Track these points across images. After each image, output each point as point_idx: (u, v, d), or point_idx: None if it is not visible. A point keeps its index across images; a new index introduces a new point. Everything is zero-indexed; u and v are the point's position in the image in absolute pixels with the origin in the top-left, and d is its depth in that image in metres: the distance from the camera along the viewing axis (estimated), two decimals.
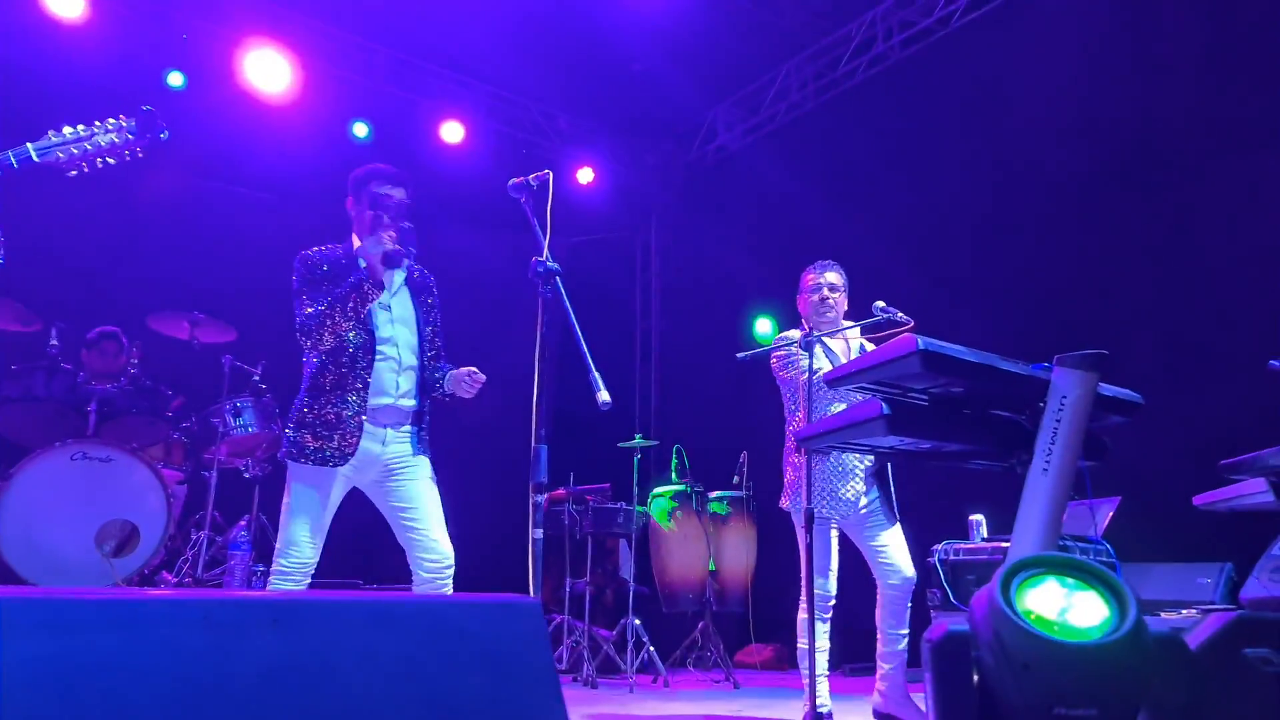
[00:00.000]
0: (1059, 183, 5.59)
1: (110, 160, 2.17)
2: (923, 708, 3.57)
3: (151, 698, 0.90)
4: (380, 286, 2.78)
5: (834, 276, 3.67)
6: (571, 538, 5.45)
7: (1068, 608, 1.75)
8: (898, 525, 3.62)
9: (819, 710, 3.05)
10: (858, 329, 3.64)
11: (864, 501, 3.58)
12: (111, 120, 2.21)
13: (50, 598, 0.91)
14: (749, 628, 5.84)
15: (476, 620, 1.07)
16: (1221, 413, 4.34)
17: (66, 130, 2.16)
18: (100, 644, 0.91)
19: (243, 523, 4.54)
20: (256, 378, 4.69)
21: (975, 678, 1.68)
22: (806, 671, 3.45)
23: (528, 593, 2.31)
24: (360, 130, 7.26)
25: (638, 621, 5.15)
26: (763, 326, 7.17)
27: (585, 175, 8.43)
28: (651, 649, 5.15)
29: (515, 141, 8.21)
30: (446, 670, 1.01)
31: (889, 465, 3.68)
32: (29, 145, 2.10)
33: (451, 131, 7.60)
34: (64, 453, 3.86)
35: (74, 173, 2.14)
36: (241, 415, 4.52)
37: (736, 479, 5.75)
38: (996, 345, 2.99)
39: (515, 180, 2.63)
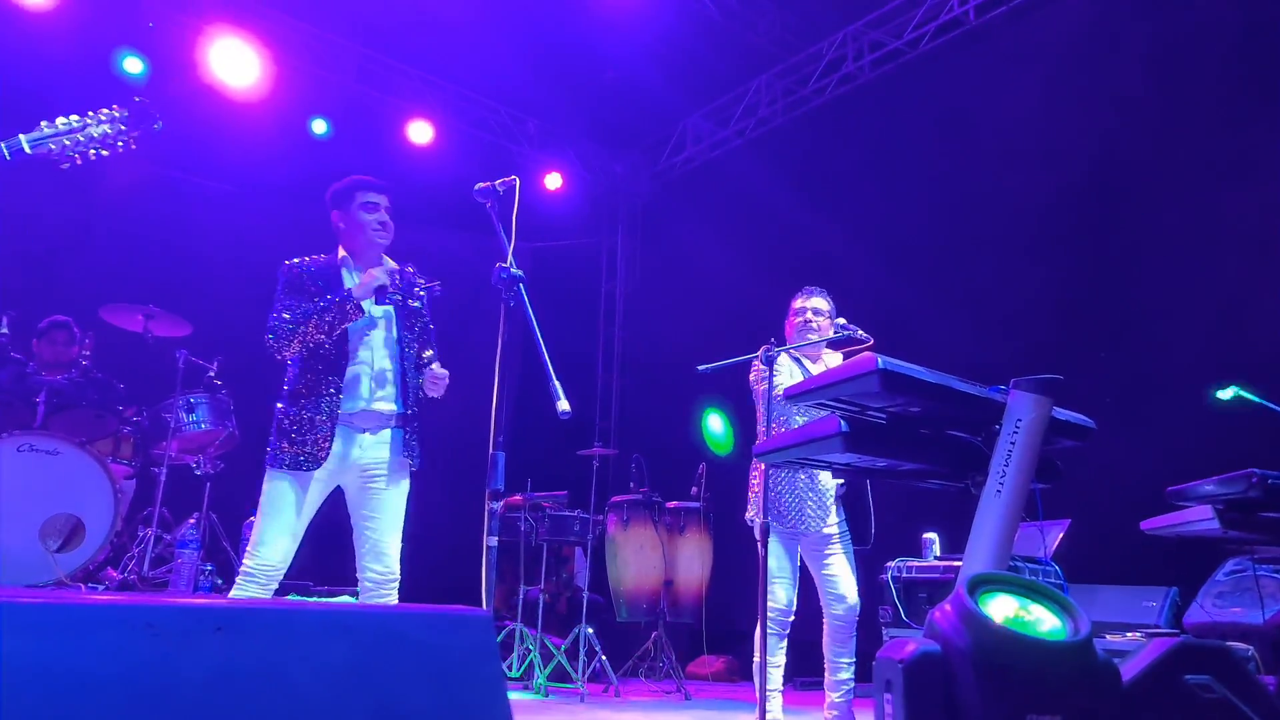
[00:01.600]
0: (1020, 208, 5.69)
1: (104, 151, 2.15)
2: None
3: (92, 703, 0.87)
4: (361, 310, 2.82)
5: (819, 302, 3.75)
6: (527, 545, 5.41)
7: (1024, 618, 1.79)
8: (850, 553, 3.61)
9: None
10: (822, 349, 3.68)
11: (828, 525, 3.58)
12: (105, 110, 2.19)
13: None
14: (702, 639, 5.84)
15: (427, 631, 1.06)
16: (1171, 440, 4.44)
17: (60, 121, 2.13)
18: (41, 648, 0.88)
19: (191, 521, 4.44)
20: (212, 374, 4.60)
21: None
22: (767, 689, 3.46)
23: (480, 600, 2.29)
24: (319, 127, 7.15)
25: (590, 630, 5.13)
26: (714, 424, 6.94)
27: (553, 180, 8.41)
28: (603, 658, 5.13)
29: (483, 143, 8.17)
30: (395, 680, 1.01)
31: (868, 489, 3.69)
32: (21, 136, 2.07)
33: (419, 131, 7.56)
34: (10, 443, 3.77)
35: (66, 165, 2.12)
36: (195, 411, 4.43)
37: (695, 490, 5.75)
38: (953, 363, 3.01)
39: (482, 185, 2.62)
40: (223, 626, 0.95)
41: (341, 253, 3.01)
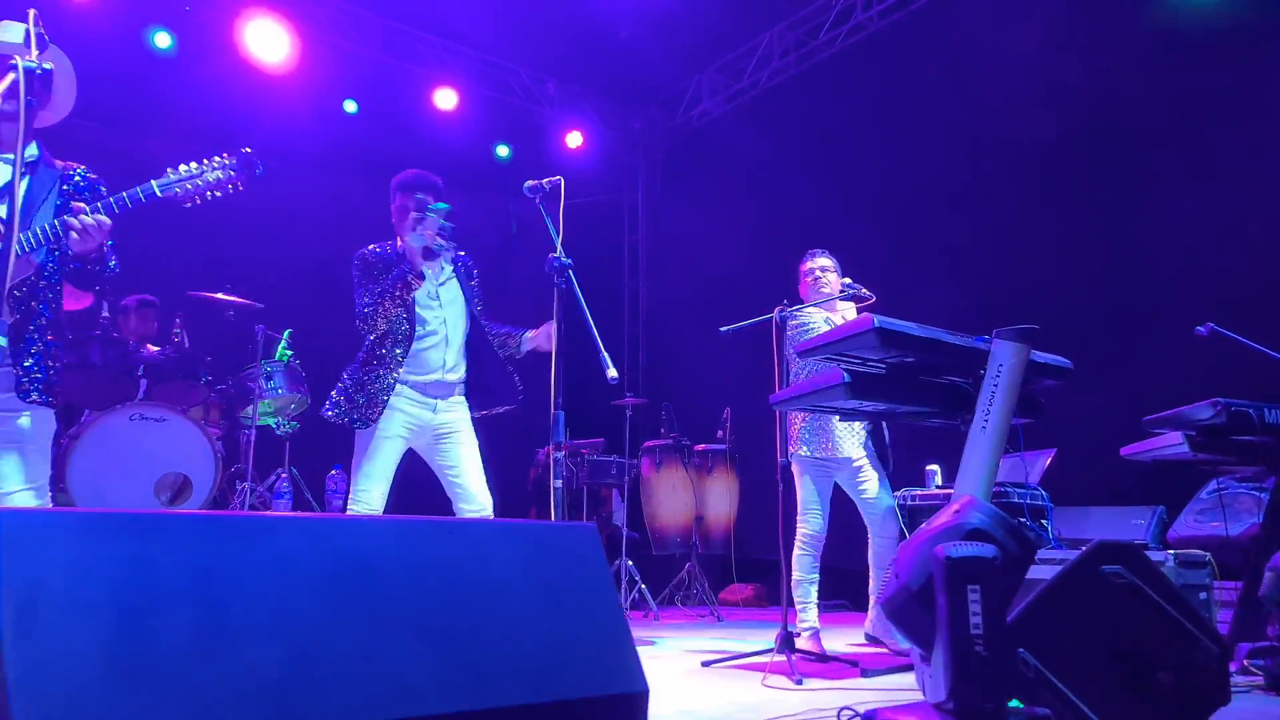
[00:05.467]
0: (1022, 153, 5.88)
1: (218, 193, 2.52)
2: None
3: (354, 577, 1.39)
4: (421, 276, 3.17)
5: (824, 260, 4.20)
6: (569, 488, 5.90)
7: None
8: (883, 479, 4.10)
9: (789, 631, 3.54)
10: (836, 303, 4.09)
11: (858, 455, 4.07)
12: (218, 158, 2.54)
13: (240, 517, 1.39)
14: (731, 569, 6.35)
15: (565, 537, 1.65)
16: (1154, 372, 4.78)
17: (182, 168, 2.49)
18: (283, 549, 1.37)
19: (284, 475, 5.02)
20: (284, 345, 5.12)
21: None
22: (801, 601, 4.02)
23: None
24: (350, 107, 7.50)
25: (630, 563, 5.64)
26: None
27: (574, 139, 8.69)
28: (643, 587, 5.64)
29: (506, 106, 8.45)
30: (551, 564, 1.60)
31: (883, 423, 4.15)
32: (153, 182, 2.44)
33: (444, 98, 7.83)
34: (124, 414, 4.33)
35: (189, 204, 2.49)
36: (272, 379, 4.95)
37: (720, 433, 6.20)
38: (957, 309, 3.30)
39: (530, 183, 2.98)
40: (453, 532, 1.48)
41: (399, 240, 3.37)
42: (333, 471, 5.10)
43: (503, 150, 8.51)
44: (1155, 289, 5.06)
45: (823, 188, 7.15)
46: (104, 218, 2.32)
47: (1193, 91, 5.14)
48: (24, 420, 2.38)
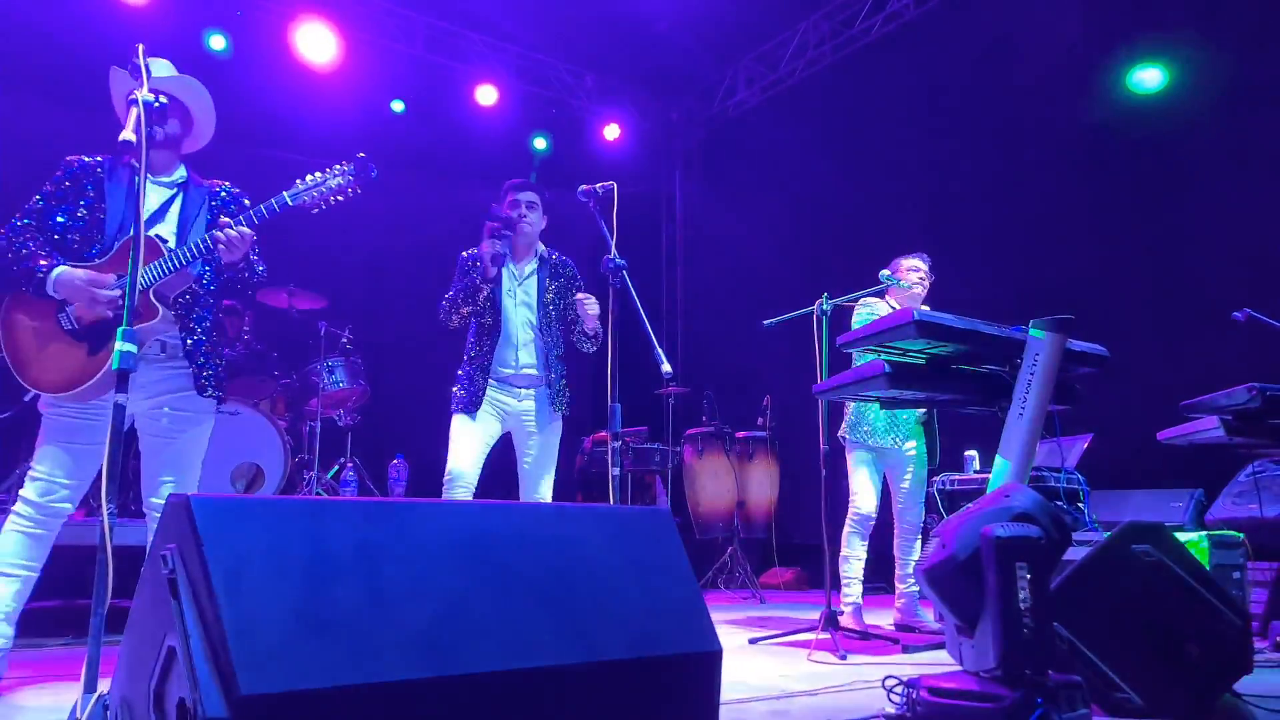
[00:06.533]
0: (1059, 140, 5.92)
1: (339, 198, 2.72)
2: (929, 618, 4.25)
3: (478, 550, 1.61)
4: (489, 281, 3.43)
5: (926, 266, 4.28)
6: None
7: None
8: (924, 476, 4.27)
9: (833, 610, 3.68)
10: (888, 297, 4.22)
11: (909, 447, 4.24)
12: (338, 166, 2.75)
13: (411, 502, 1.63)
14: (772, 553, 6.49)
15: (648, 518, 1.87)
16: (1192, 357, 4.82)
17: (309, 178, 2.71)
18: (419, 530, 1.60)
19: (349, 464, 5.25)
20: (345, 340, 5.35)
21: None
22: (846, 577, 4.19)
23: None
24: (397, 107, 7.72)
25: None
26: None
27: (612, 131, 8.83)
28: None
29: (544, 101, 8.60)
30: (636, 541, 1.84)
31: (935, 418, 4.30)
32: (285, 193, 2.66)
33: (485, 94, 8.01)
34: None
35: (316, 210, 2.69)
36: (334, 373, 5.21)
37: (761, 420, 6.33)
38: (994, 297, 3.36)
39: (584, 187, 3.15)
40: (558, 515, 1.74)
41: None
42: (394, 461, 5.35)
43: (541, 143, 8.67)
44: (1192, 275, 5.10)
45: (859, 176, 7.21)
46: (245, 229, 2.56)
47: (1231, 76, 5.14)
48: (202, 412, 2.72)
